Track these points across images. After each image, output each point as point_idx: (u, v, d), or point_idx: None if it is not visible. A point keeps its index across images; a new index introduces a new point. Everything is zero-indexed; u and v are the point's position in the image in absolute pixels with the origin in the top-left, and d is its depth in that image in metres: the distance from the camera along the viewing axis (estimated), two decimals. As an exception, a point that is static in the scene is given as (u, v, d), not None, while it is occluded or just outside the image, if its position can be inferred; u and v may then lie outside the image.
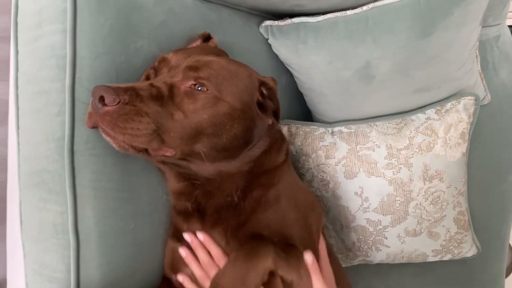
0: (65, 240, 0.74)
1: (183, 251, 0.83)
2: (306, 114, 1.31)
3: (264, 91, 0.82)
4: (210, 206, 0.83)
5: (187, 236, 0.82)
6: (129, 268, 0.81)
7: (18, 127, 0.78)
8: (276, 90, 0.84)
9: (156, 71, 0.78)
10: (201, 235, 0.81)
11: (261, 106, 0.82)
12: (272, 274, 0.70)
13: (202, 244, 0.81)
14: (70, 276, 0.74)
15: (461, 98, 1.08)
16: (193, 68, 0.73)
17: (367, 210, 1.11)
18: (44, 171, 0.74)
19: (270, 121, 0.84)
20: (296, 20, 1.12)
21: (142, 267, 0.84)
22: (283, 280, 0.72)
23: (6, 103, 0.88)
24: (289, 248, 0.77)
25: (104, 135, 0.68)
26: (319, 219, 0.93)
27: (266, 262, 0.67)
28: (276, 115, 0.86)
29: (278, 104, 0.85)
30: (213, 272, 0.77)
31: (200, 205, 0.83)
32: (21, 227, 0.79)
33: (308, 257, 0.77)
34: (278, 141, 0.90)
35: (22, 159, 0.78)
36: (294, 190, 0.89)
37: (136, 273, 0.83)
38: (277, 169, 0.88)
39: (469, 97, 1.08)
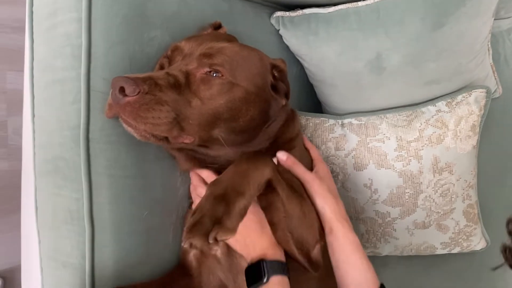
0: (80, 227, 0.75)
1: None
2: (316, 106, 1.31)
3: (276, 74, 0.84)
4: None
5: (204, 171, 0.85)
6: (142, 255, 0.82)
7: (33, 116, 0.79)
8: (286, 72, 0.87)
9: (170, 60, 0.79)
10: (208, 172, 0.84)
11: (274, 88, 0.84)
12: (272, 193, 0.74)
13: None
14: (85, 262, 0.76)
15: (472, 91, 1.07)
16: (207, 55, 0.74)
17: (376, 202, 1.11)
18: (59, 158, 0.76)
19: (284, 102, 0.86)
20: (307, 11, 1.12)
21: (154, 254, 0.85)
22: (285, 209, 0.75)
23: (21, 93, 0.89)
24: (298, 182, 0.83)
25: (125, 125, 0.69)
26: None
27: (266, 167, 0.71)
28: (286, 95, 0.88)
29: (289, 85, 0.88)
30: None
31: None
32: (36, 214, 0.80)
33: (281, 154, 0.84)
34: (290, 115, 0.93)
35: (38, 147, 0.79)
36: (305, 156, 0.95)
37: (149, 259, 0.84)
38: (294, 137, 0.92)
39: (481, 90, 1.07)
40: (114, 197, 0.77)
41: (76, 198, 0.75)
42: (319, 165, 0.94)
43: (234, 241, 0.79)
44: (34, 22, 0.78)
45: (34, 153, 0.80)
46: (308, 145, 1.00)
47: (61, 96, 0.75)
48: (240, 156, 0.73)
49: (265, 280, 0.71)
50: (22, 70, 0.85)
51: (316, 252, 0.79)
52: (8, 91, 1.49)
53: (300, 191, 0.81)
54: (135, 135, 0.70)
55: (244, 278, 0.74)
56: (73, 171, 0.75)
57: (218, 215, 0.60)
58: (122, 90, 0.64)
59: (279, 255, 0.76)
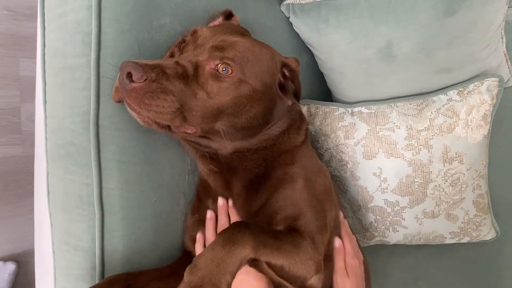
0: (90, 211, 0.77)
1: (208, 213, 0.87)
2: (326, 94, 1.31)
3: (286, 73, 0.83)
4: (235, 183, 0.86)
5: (220, 199, 0.86)
6: (151, 240, 0.84)
7: (45, 102, 0.81)
8: (298, 72, 0.85)
9: (183, 46, 0.79)
10: (230, 201, 0.85)
11: (282, 86, 0.82)
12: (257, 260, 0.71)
13: (226, 210, 0.85)
14: (95, 245, 0.77)
15: (485, 80, 1.06)
16: (219, 48, 0.74)
17: (385, 191, 1.11)
18: (70, 144, 0.77)
19: (290, 102, 0.85)
20: (317, -2, 1.11)
21: (163, 240, 0.87)
22: (270, 265, 0.72)
23: (34, 80, 0.91)
24: (288, 234, 0.77)
25: (129, 110, 0.70)
26: (334, 206, 0.93)
27: (244, 250, 0.67)
28: (296, 96, 0.86)
29: (299, 85, 0.85)
30: None
31: (226, 181, 0.86)
32: (48, 198, 0.82)
33: (337, 241, 0.87)
34: (297, 121, 0.91)
35: (49, 132, 0.80)
36: (312, 172, 0.88)
37: (157, 245, 0.85)
38: (296, 149, 0.89)
39: (493, 79, 1.06)
40: (123, 183, 0.78)
41: (86, 183, 0.76)
42: (350, 263, 0.93)
43: None
44: (45, 9, 0.79)
45: (46, 139, 0.81)
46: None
47: (72, 83, 0.76)
48: (219, 235, 0.69)
49: None
50: (35, 57, 0.86)
51: (313, 281, 0.77)
52: (22, 78, 1.51)
53: (291, 239, 0.77)
54: (138, 120, 0.71)
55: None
56: (83, 157, 0.76)
57: None
58: (129, 75, 0.64)
59: None
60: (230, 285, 0.65)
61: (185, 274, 0.65)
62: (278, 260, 0.71)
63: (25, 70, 1.52)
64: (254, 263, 0.72)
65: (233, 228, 0.71)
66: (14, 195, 1.53)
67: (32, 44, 1.50)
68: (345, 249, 0.94)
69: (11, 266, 1.54)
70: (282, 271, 0.73)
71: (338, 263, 0.90)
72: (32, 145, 1.01)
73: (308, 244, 0.77)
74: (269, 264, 0.72)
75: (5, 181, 1.51)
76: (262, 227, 0.75)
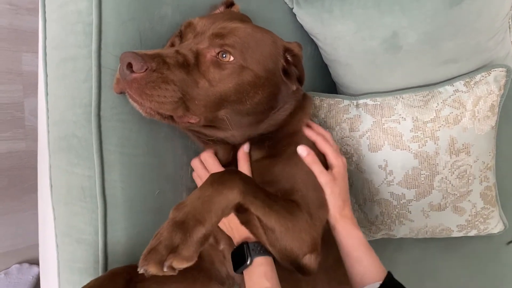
0: (92, 203, 0.77)
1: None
2: (330, 87, 1.30)
3: (289, 58, 0.82)
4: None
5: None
6: (153, 233, 0.82)
7: (47, 94, 0.80)
8: (301, 56, 0.84)
9: (182, 37, 0.79)
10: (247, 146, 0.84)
11: (285, 72, 0.82)
12: (247, 212, 0.70)
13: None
14: (97, 238, 0.77)
15: (492, 70, 1.04)
16: (219, 35, 0.73)
17: (391, 183, 1.10)
18: (72, 136, 0.77)
19: (294, 87, 0.84)
20: (321, -12, 1.10)
21: (166, 232, 0.86)
22: (262, 224, 0.72)
23: (37, 74, 0.90)
24: (283, 199, 0.77)
25: (131, 101, 0.69)
26: None
27: (231, 192, 0.66)
28: (300, 81, 0.86)
29: (303, 70, 0.85)
30: None
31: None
32: (51, 191, 0.82)
33: (301, 149, 0.83)
34: (302, 104, 0.90)
35: (51, 124, 0.80)
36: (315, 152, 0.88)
37: (160, 237, 0.84)
38: (301, 130, 0.89)
39: (500, 69, 1.04)
40: (125, 174, 0.78)
41: (88, 175, 0.76)
42: (336, 164, 0.88)
43: (222, 224, 0.78)
44: (46, 0, 0.79)
45: (48, 131, 0.81)
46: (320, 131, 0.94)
47: (73, 74, 0.76)
48: (210, 175, 0.69)
49: (248, 262, 0.72)
50: (37, 52, 0.86)
51: (306, 260, 0.76)
52: (24, 72, 1.51)
53: (286, 205, 0.76)
54: (140, 111, 0.70)
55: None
56: (86, 149, 0.76)
57: (174, 243, 0.59)
58: (129, 66, 0.64)
59: None
60: (215, 225, 0.64)
61: (171, 211, 0.64)
62: (269, 219, 0.71)
63: (28, 65, 1.52)
64: (246, 219, 0.73)
65: (226, 171, 0.72)
66: (18, 190, 1.54)
67: (34, 39, 1.51)
68: (324, 142, 0.90)
69: (35, 269, 1.56)
70: (273, 236, 0.73)
71: (316, 167, 0.84)
72: (35, 140, 1.01)
73: (304, 216, 0.76)
74: (260, 222, 0.71)
75: (9, 176, 1.51)
76: (257, 184, 0.74)
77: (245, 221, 0.75)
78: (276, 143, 0.85)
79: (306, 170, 0.83)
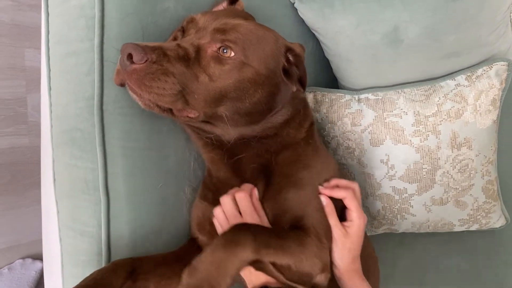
0: (95, 196, 0.77)
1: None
2: (332, 82, 1.30)
3: (291, 58, 0.81)
4: (242, 171, 0.84)
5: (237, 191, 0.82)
6: (157, 226, 0.84)
7: (49, 88, 0.81)
8: (303, 57, 0.83)
9: (184, 32, 0.79)
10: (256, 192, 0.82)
11: (286, 72, 0.81)
12: (259, 261, 0.70)
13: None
14: (101, 231, 0.78)
15: (493, 64, 1.04)
16: (221, 30, 0.73)
17: (393, 178, 1.10)
18: (75, 129, 0.77)
19: (294, 88, 0.83)
20: (322, -17, 1.10)
21: (168, 225, 0.87)
22: (276, 266, 0.71)
23: (40, 70, 0.91)
24: (292, 232, 0.77)
25: (130, 93, 0.70)
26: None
27: (245, 252, 0.66)
28: (302, 82, 0.84)
29: (305, 71, 0.83)
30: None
31: (229, 170, 0.85)
32: (54, 184, 0.82)
33: (323, 198, 0.82)
34: (300, 114, 0.88)
35: (54, 118, 0.80)
36: (319, 171, 0.87)
37: (162, 230, 0.85)
38: (298, 145, 0.87)
39: (502, 63, 1.04)
40: (128, 168, 0.78)
41: (91, 168, 0.76)
42: (357, 222, 0.85)
43: None
44: (49, -5, 0.79)
45: (51, 125, 0.81)
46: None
47: (76, 68, 0.76)
48: (222, 236, 0.68)
49: None
50: (40, 48, 0.86)
51: (318, 279, 0.77)
52: (27, 68, 1.52)
53: (296, 237, 0.76)
54: (139, 103, 0.70)
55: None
56: (89, 142, 0.76)
57: None
58: (130, 57, 0.64)
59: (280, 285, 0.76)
60: (229, 286, 0.64)
61: (184, 276, 0.64)
62: (284, 259, 0.71)
63: (31, 61, 1.53)
64: (260, 266, 0.72)
65: (235, 229, 0.70)
66: (21, 185, 1.54)
67: (37, 34, 1.51)
68: (353, 198, 0.86)
69: (38, 265, 1.57)
70: (289, 271, 0.73)
71: (335, 219, 0.83)
72: (38, 135, 1.02)
73: (314, 241, 0.77)
74: (275, 265, 0.71)
75: (12, 171, 1.52)
76: (265, 227, 0.74)
77: (260, 268, 0.74)
78: (277, 161, 0.83)
79: (315, 194, 0.83)
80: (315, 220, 0.80)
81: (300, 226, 0.79)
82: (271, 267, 0.72)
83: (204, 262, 0.64)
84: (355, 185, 0.90)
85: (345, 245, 0.83)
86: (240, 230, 0.69)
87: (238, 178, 0.85)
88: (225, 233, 0.69)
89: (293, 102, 0.86)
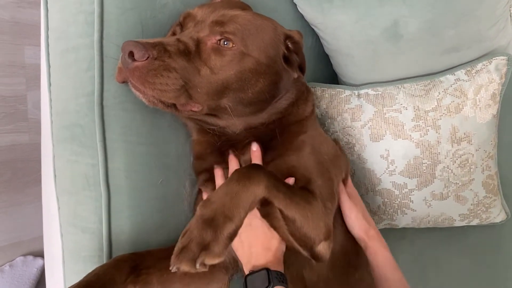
0: (96, 192, 0.77)
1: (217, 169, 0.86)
2: (332, 77, 1.30)
3: (290, 45, 0.82)
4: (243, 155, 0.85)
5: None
6: (157, 221, 0.84)
7: (49, 84, 0.81)
8: (302, 44, 0.84)
9: (182, 26, 0.79)
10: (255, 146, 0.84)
11: (286, 59, 0.82)
12: (270, 205, 0.71)
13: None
14: (102, 227, 0.78)
15: (493, 58, 1.04)
16: (219, 22, 0.73)
17: (393, 173, 1.10)
18: (75, 125, 0.77)
19: (295, 75, 0.84)
20: (321, -23, 1.10)
21: (170, 220, 0.87)
22: (283, 215, 0.73)
23: (40, 67, 0.91)
24: (301, 190, 0.77)
25: (134, 90, 0.70)
26: (340, 174, 0.95)
27: (258, 187, 0.67)
28: (301, 69, 0.85)
29: (304, 58, 0.85)
30: None
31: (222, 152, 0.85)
32: (55, 181, 0.82)
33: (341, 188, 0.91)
34: (304, 93, 0.90)
35: (55, 114, 0.80)
36: (319, 142, 0.88)
37: (164, 225, 0.85)
38: (305, 120, 0.89)
39: (502, 57, 1.04)
40: (129, 163, 0.78)
41: (92, 164, 0.76)
42: (353, 192, 0.99)
43: (239, 246, 0.79)
44: (48, -9, 0.79)
45: (52, 121, 0.81)
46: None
47: (76, 64, 0.76)
48: (236, 171, 0.70)
49: (270, 287, 0.72)
50: (40, 45, 0.86)
51: (320, 248, 0.77)
52: (27, 65, 1.52)
53: (304, 195, 0.78)
54: (143, 100, 0.70)
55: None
56: (89, 138, 0.76)
57: (205, 240, 0.60)
58: (131, 54, 0.64)
59: (281, 269, 0.76)
60: (243, 220, 0.65)
61: (198, 208, 0.65)
62: (291, 210, 0.72)
63: (31, 58, 1.52)
64: (268, 211, 0.74)
65: (249, 166, 0.72)
66: (22, 182, 1.54)
67: (37, 32, 1.51)
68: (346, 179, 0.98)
69: (40, 262, 1.58)
70: (293, 226, 0.74)
71: (342, 196, 0.92)
72: (38, 132, 1.02)
73: (320, 205, 0.78)
74: (282, 214, 0.73)
75: (12, 169, 1.52)
76: (279, 178, 0.75)
77: (266, 214, 0.76)
78: (281, 134, 0.84)
79: (319, 160, 0.84)
80: (322, 189, 0.81)
81: (308, 189, 0.79)
82: (278, 215, 0.73)
83: (218, 194, 0.66)
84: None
85: (357, 214, 0.92)
86: (254, 168, 0.71)
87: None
88: (240, 169, 0.71)
89: (295, 85, 0.87)
